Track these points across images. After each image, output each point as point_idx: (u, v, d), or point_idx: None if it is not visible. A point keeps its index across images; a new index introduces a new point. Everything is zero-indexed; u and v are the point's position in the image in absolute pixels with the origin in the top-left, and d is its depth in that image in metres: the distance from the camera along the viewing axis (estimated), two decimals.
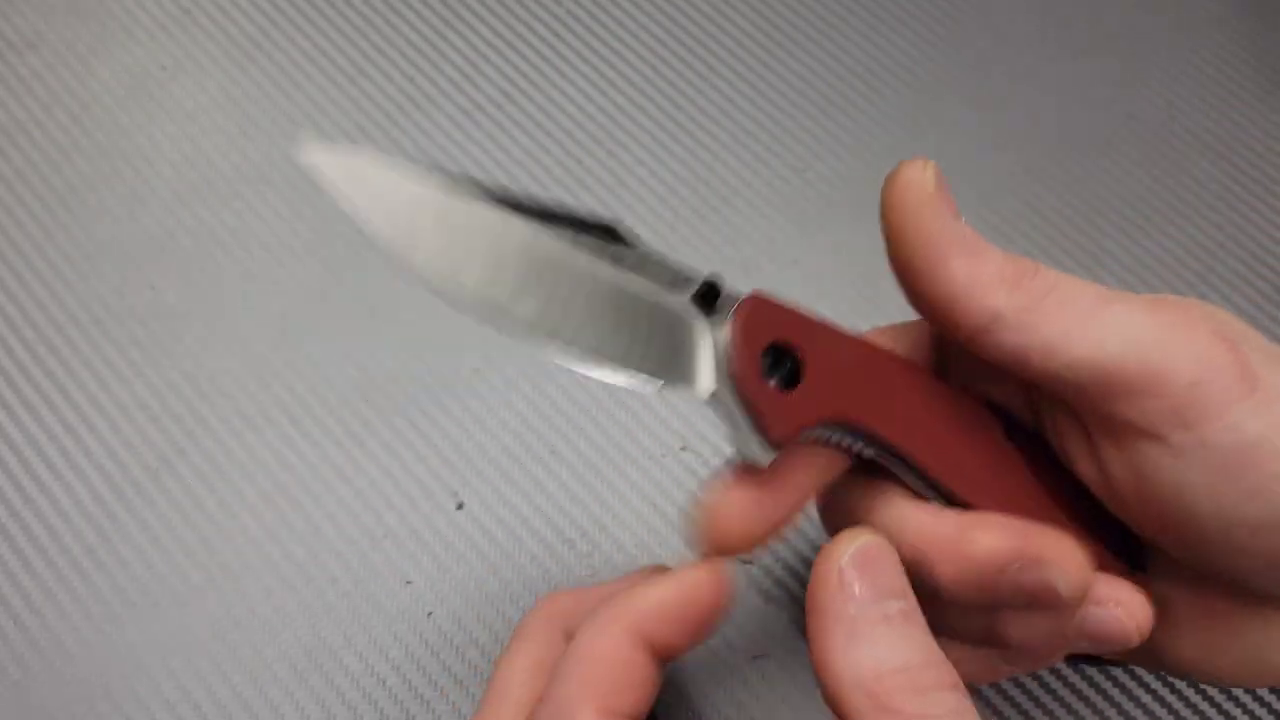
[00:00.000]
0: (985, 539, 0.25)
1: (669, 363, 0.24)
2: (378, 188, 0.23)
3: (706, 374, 0.24)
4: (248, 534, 0.38)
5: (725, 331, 0.24)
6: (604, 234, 0.25)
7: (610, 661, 0.25)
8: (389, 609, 0.37)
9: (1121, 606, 0.26)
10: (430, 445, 0.40)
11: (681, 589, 0.26)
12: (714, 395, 0.24)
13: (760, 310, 0.25)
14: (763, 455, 0.24)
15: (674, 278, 0.25)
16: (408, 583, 0.37)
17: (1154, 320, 0.24)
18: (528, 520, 0.38)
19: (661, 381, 0.24)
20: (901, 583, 0.24)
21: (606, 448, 0.39)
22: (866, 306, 0.42)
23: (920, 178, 0.25)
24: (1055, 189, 0.45)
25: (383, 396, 0.40)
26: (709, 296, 0.25)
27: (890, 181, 0.25)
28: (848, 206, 0.45)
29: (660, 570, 0.27)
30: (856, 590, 0.24)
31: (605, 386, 0.41)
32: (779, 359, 0.25)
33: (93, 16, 0.49)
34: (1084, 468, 0.26)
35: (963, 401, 0.27)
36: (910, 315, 0.27)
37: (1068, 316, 0.24)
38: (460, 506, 0.38)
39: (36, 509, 0.38)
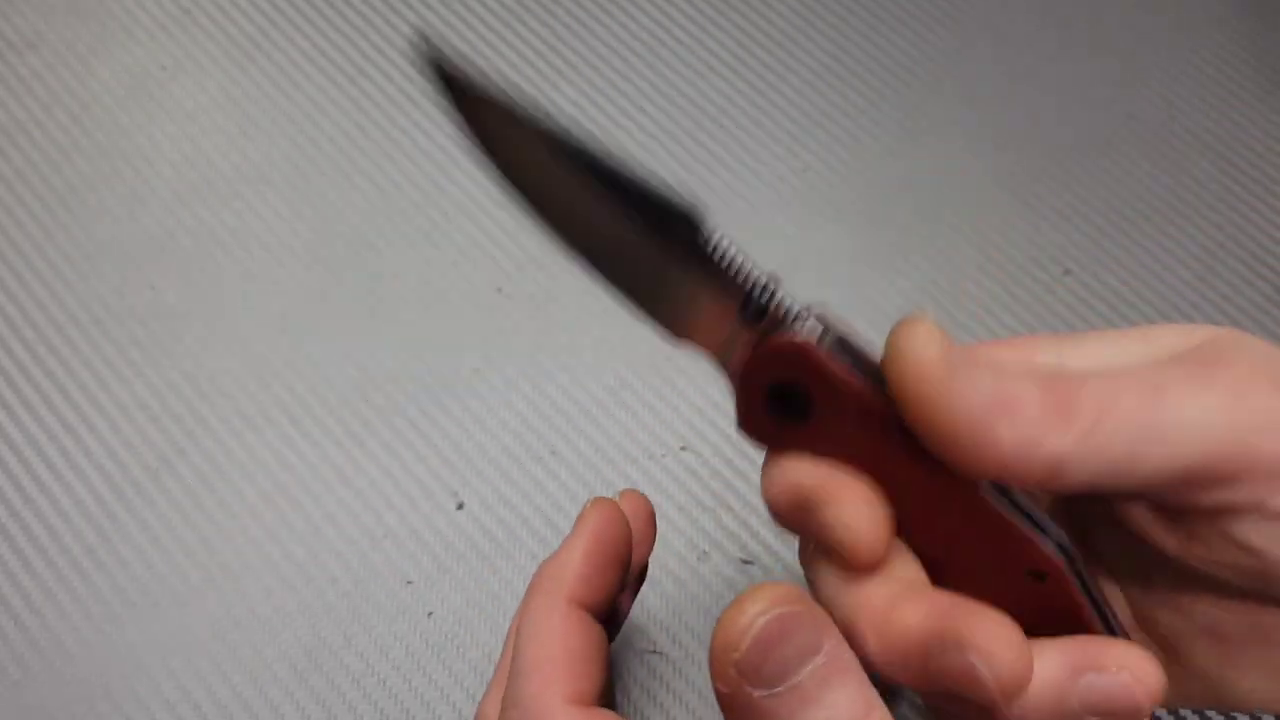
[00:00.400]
0: (907, 613, 0.23)
1: (663, 298, 0.24)
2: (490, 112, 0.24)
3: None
4: (248, 534, 0.38)
5: (741, 349, 0.24)
6: (689, 215, 0.24)
7: (562, 644, 0.26)
8: (389, 609, 0.37)
9: (1127, 671, 0.23)
10: (430, 445, 0.39)
11: (591, 538, 0.28)
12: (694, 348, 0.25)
13: (786, 349, 0.24)
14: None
15: (738, 267, 0.24)
16: (408, 582, 0.37)
17: (1214, 398, 0.22)
18: (528, 520, 0.38)
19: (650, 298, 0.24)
20: (815, 638, 0.22)
21: (606, 448, 0.39)
22: (866, 306, 0.42)
23: (928, 354, 0.22)
24: (1055, 189, 0.45)
25: (383, 397, 0.40)
26: (759, 303, 0.24)
27: (894, 362, 0.22)
28: (848, 206, 0.45)
29: (594, 503, 0.29)
30: (762, 678, 0.22)
31: (605, 386, 0.41)
32: (789, 394, 0.24)
33: (93, 16, 0.49)
34: (1157, 536, 0.25)
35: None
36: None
37: (1127, 429, 0.22)
38: (460, 506, 0.38)
39: (36, 509, 0.38)
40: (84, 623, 0.36)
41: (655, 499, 0.38)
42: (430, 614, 0.37)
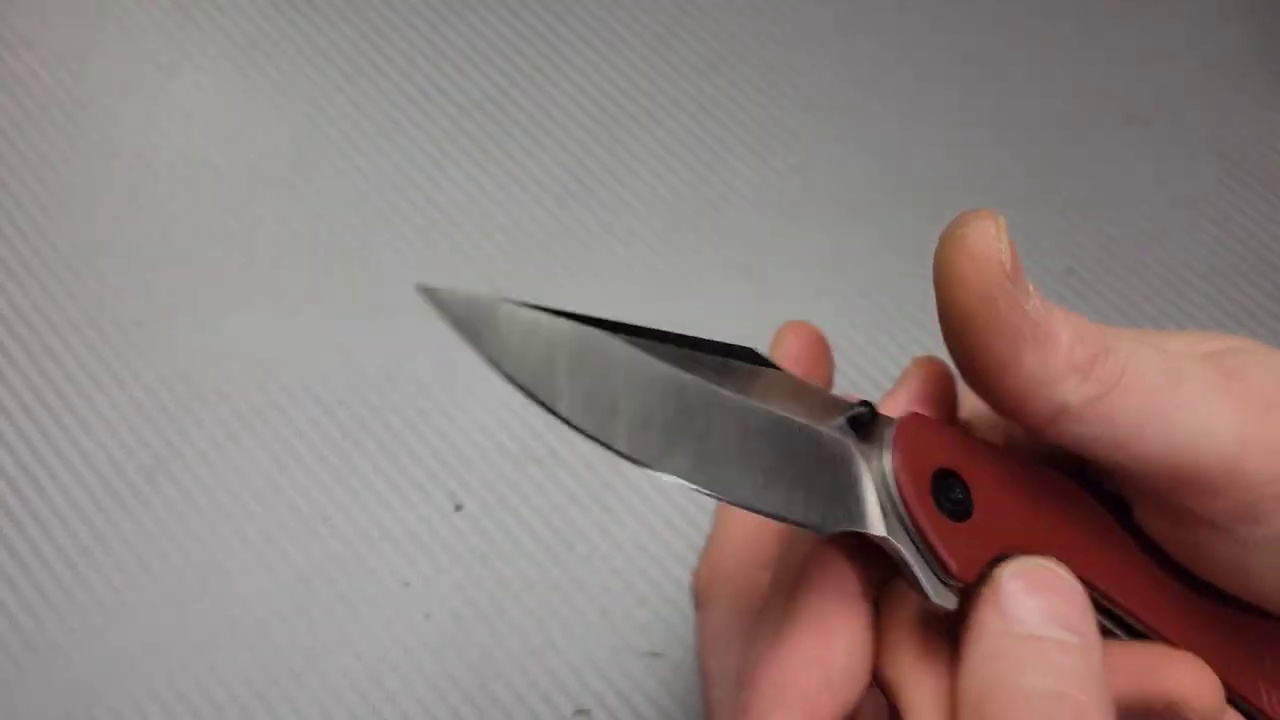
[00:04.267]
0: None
1: (833, 501, 0.21)
2: (510, 329, 0.21)
3: (874, 512, 0.21)
4: (244, 535, 0.38)
5: (888, 460, 0.22)
6: (744, 357, 0.23)
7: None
8: (386, 611, 0.36)
9: None
10: (428, 446, 0.39)
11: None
12: (886, 539, 0.21)
13: (924, 433, 0.22)
14: (947, 598, 0.22)
15: (824, 403, 0.23)
16: (405, 584, 0.37)
17: (1229, 406, 0.22)
18: (526, 522, 0.38)
19: (828, 525, 0.21)
20: (1080, 618, 0.21)
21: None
22: (867, 306, 0.42)
23: (994, 251, 0.21)
24: (1056, 188, 0.45)
25: (380, 397, 0.40)
26: (862, 420, 0.22)
27: (956, 249, 0.22)
28: (848, 206, 0.45)
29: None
30: (1013, 606, 0.21)
31: None
32: (944, 488, 0.22)
33: (89, 15, 0.49)
34: (1142, 514, 0.25)
35: (1102, 512, 0.25)
36: (915, 334, 0.27)
37: (1136, 406, 0.22)
38: (459, 508, 0.38)
39: (32, 510, 0.38)
40: (79, 625, 0.36)
41: (654, 501, 0.38)
42: (428, 616, 0.36)
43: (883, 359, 0.41)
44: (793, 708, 0.22)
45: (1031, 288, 0.21)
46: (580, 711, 0.35)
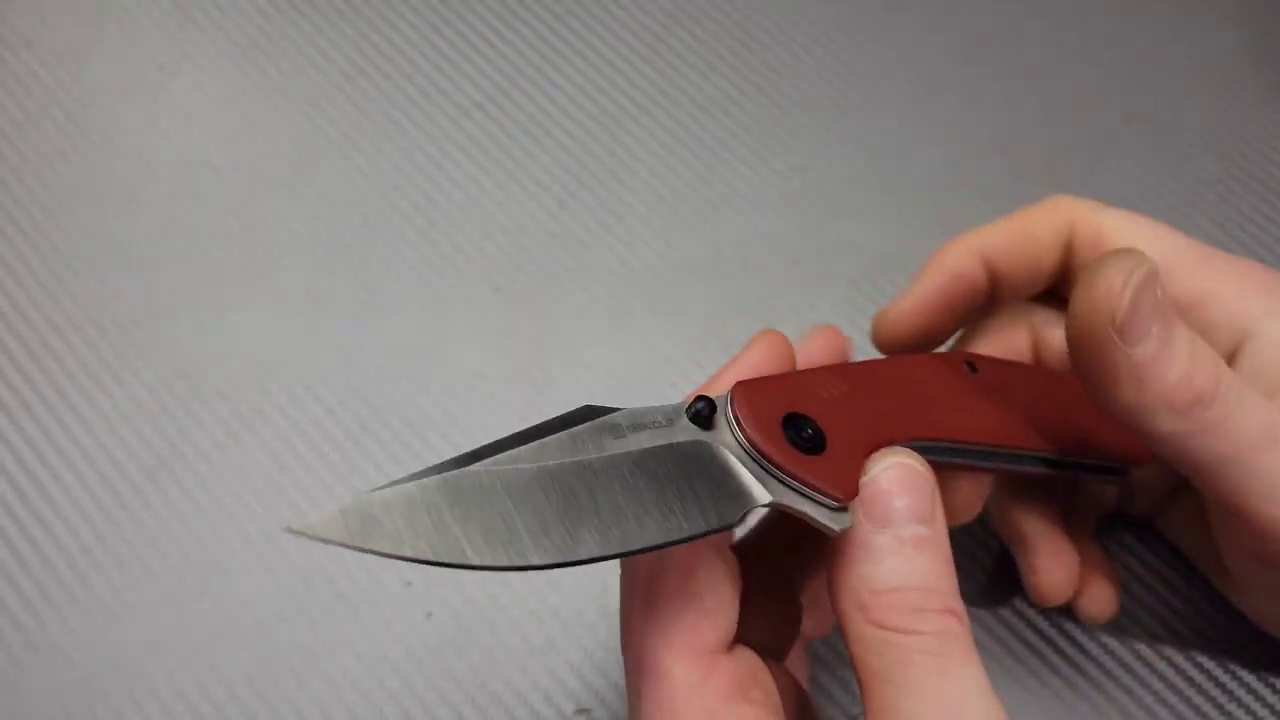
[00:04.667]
0: None
1: (720, 496, 0.23)
2: (392, 516, 0.21)
3: (753, 484, 0.23)
4: (245, 535, 0.38)
5: (737, 433, 0.24)
6: (584, 417, 0.24)
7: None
8: (387, 611, 0.36)
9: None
10: (428, 446, 0.39)
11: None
12: (771, 501, 0.23)
13: (754, 393, 0.24)
14: (841, 521, 0.24)
15: (668, 416, 0.24)
16: (407, 584, 0.37)
17: None
18: None
19: (728, 521, 0.23)
20: (929, 508, 0.24)
21: None
22: (868, 305, 0.42)
23: (1110, 304, 0.24)
24: (1055, 189, 0.45)
25: (380, 397, 0.40)
26: (702, 413, 0.24)
27: (1084, 288, 0.25)
28: (848, 206, 0.45)
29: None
30: (873, 511, 0.24)
31: (605, 387, 0.41)
32: (796, 429, 0.24)
33: (90, 15, 0.49)
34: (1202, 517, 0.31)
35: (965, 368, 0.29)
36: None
37: (1223, 452, 0.25)
38: None
39: (33, 510, 0.38)
40: (81, 625, 0.36)
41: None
42: (429, 615, 0.36)
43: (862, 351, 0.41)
44: (676, 644, 0.24)
45: (1155, 328, 0.24)
46: (581, 711, 0.35)
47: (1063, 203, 0.32)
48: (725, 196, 0.45)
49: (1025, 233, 0.32)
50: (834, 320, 0.42)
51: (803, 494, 0.23)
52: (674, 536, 0.22)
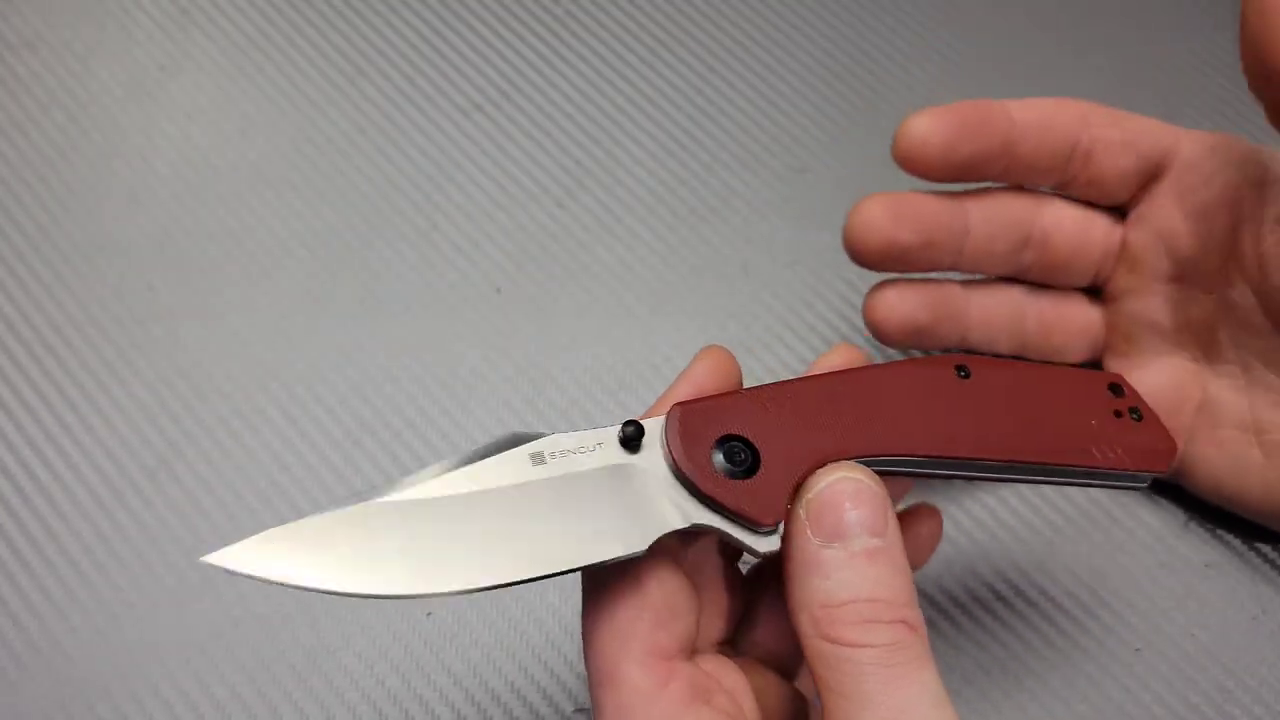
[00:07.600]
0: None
1: (638, 519, 0.23)
2: (303, 555, 0.22)
3: (669, 510, 0.24)
4: (246, 534, 0.38)
5: (667, 456, 0.24)
6: (513, 444, 0.24)
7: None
8: (388, 609, 0.37)
9: None
10: (428, 446, 0.39)
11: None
12: (694, 525, 0.24)
13: (690, 416, 0.24)
14: (770, 543, 0.24)
15: (598, 441, 0.25)
16: None
17: None
18: None
19: (635, 548, 0.23)
20: (881, 520, 0.24)
21: None
22: None
23: None
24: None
25: (380, 397, 0.40)
26: (630, 437, 0.24)
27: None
28: (848, 206, 0.45)
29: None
30: (820, 527, 0.24)
31: (604, 387, 0.41)
32: (729, 453, 0.24)
33: (91, 16, 0.49)
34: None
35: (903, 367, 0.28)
36: None
37: None
38: None
39: (35, 509, 0.38)
40: (82, 624, 0.36)
41: None
42: (429, 614, 0.36)
43: (882, 360, 0.41)
44: (633, 651, 0.24)
45: None
46: (580, 710, 0.35)
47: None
48: (724, 197, 0.45)
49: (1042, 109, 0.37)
50: (832, 321, 0.42)
51: (726, 517, 0.24)
52: (581, 563, 0.23)
